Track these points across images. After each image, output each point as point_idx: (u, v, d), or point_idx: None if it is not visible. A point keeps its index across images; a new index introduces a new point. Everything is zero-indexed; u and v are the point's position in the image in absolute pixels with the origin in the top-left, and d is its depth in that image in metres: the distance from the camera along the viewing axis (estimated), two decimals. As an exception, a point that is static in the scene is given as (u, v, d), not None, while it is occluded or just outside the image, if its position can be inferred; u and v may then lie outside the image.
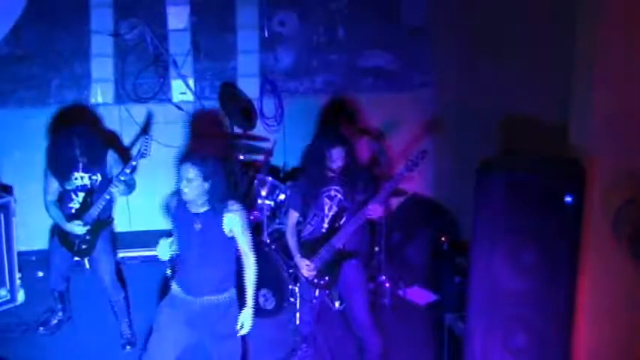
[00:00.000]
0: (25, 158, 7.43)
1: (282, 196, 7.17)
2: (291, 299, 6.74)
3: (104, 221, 6.58)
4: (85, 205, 6.54)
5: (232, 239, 5.41)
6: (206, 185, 5.29)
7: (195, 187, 5.27)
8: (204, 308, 5.43)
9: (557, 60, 6.06)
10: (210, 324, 5.46)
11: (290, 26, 8.31)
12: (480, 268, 5.18)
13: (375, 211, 5.90)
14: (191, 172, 5.26)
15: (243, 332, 5.48)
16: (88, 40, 7.92)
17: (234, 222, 5.37)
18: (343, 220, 6.02)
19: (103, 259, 6.61)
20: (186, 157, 5.41)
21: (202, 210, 5.36)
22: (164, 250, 5.44)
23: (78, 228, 6.52)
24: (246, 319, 5.47)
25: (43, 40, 7.83)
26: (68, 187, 6.58)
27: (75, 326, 6.91)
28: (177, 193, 5.37)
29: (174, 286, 5.51)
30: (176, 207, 5.44)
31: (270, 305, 6.93)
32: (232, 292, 5.51)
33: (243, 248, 5.44)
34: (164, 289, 5.74)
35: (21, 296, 7.31)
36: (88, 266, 6.74)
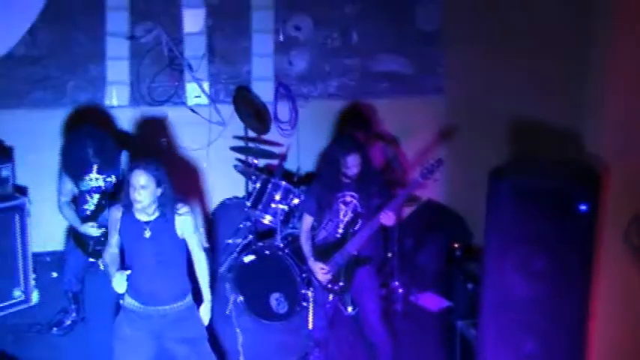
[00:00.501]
0: (40, 159, 7.47)
1: (296, 201, 7.23)
2: (304, 303, 6.82)
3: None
4: (100, 207, 6.61)
5: (183, 241, 5.45)
6: (159, 191, 5.32)
7: (149, 193, 5.28)
8: (167, 317, 5.45)
9: (571, 65, 6.12)
10: (176, 331, 5.49)
11: (305, 30, 8.38)
12: (492, 274, 5.23)
13: (389, 217, 5.97)
14: (143, 178, 5.27)
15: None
16: (104, 42, 8.00)
17: (186, 224, 5.42)
18: (358, 225, 6.09)
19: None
20: (136, 164, 5.38)
21: (152, 217, 5.38)
22: (121, 283, 5.36)
23: (92, 230, 6.58)
24: (205, 314, 5.57)
25: (59, 42, 7.91)
26: (82, 189, 6.66)
27: (88, 327, 6.97)
28: (124, 203, 5.36)
29: (129, 300, 5.47)
30: (122, 218, 5.41)
31: (282, 309, 7.01)
32: (190, 295, 5.57)
33: (195, 248, 5.50)
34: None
35: (35, 297, 7.41)
36: (102, 268, 6.82)
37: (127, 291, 5.43)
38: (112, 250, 5.51)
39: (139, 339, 5.46)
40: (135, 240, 5.39)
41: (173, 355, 5.60)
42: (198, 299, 5.63)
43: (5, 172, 7.33)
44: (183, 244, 5.47)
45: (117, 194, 6.50)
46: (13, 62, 7.77)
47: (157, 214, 5.38)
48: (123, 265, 5.48)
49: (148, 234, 5.35)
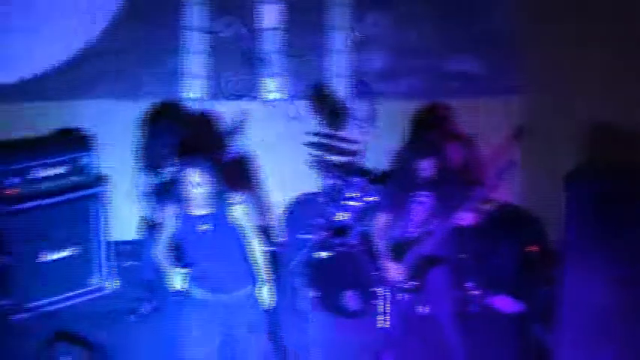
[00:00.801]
0: (121, 149, 7.63)
1: (370, 199, 7.30)
2: (377, 302, 6.90)
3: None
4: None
5: (239, 230, 5.59)
6: (211, 185, 5.45)
7: (203, 188, 5.41)
8: (230, 305, 5.62)
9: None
10: (239, 318, 5.65)
11: (381, 28, 8.42)
12: (570, 279, 5.25)
13: (464, 218, 6.01)
14: (197, 174, 5.39)
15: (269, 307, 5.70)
16: (183, 36, 8.16)
17: (239, 213, 5.56)
18: (432, 225, 6.14)
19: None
20: (188, 160, 5.50)
21: (208, 211, 5.51)
22: (179, 280, 5.55)
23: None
24: (266, 296, 5.68)
25: (139, 35, 8.07)
26: (158, 181, 6.82)
27: (163, 316, 7.15)
28: (178, 200, 5.48)
29: (195, 290, 5.63)
30: (178, 214, 5.53)
31: (355, 307, 7.10)
32: (253, 282, 5.70)
33: (249, 235, 5.62)
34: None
35: (113, 284, 7.65)
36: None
37: (190, 283, 5.60)
38: (164, 247, 5.67)
39: (204, 328, 5.64)
40: (193, 234, 5.53)
41: (236, 343, 5.75)
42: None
43: (85, 161, 7.56)
44: (239, 233, 5.61)
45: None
46: (94, 54, 7.96)
47: (211, 207, 5.51)
48: (180, 261, 5.64)
49: (205, 227, 5.50)
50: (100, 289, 7.59)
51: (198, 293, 5.63)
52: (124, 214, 7.66)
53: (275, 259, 5.74)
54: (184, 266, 5.56)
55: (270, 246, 5.74)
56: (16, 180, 7.26)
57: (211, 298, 5.62)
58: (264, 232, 5.73)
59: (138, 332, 7.07)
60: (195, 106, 8.21)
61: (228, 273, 5.60)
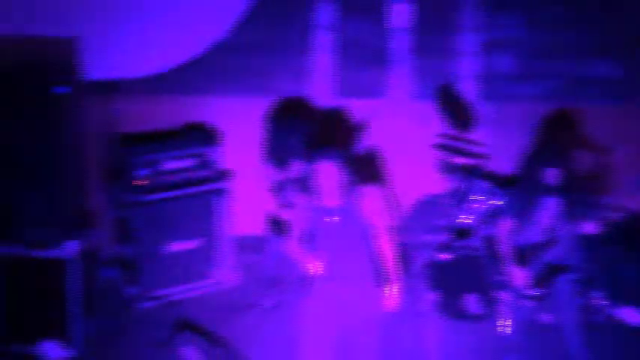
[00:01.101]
0: (247, 144, 7.80)
1: (496, 202, 7.25)
2: (499, 307, 6.86)
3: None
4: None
5: (368, 224, 5.64)
6: (346, 177, 5.55)
7: (337, 181, 5.52)
8: (355, 295, 5.66)
9: None
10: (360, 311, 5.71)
11: (512, 30, 8.34)
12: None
13: (592, 226, 5.91)
14: (330, 166, 5.51)
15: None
16: (312, 34, 8.26)
17: (368, 208, 5.62)
18: (559, 232, 6.06)
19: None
20: (323, 153, 5.60)
21: (338, 202, 5.60)
22: (312, 269, 5.66)
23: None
24: (391, 295, 5.69)
25: (269, 32, 8.21)
26: (284, 177, 6.95)
27: (285, 312, 7.27)
28: (310, 190, 5.60)
29: (320, 283, 5.71)
30: (306, 206, 5.65)
31: (476, 311, 7.06)
32: (378, 277, 5.73)
33: (376, 231, 5.66)
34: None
35: (235, 278, 7.82)
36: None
37: (318, 275, 5.68)
38: (295, 238, 5.76)
39: (323, 323, 5.70)
40: (322, 226, 5.63)
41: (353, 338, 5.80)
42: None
43: (211, 156, 7.75)
44: (368, 227, 5.67)
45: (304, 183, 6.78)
46: (225, 50, 8.09)
47: (342, 199, 5.60)
48: (310, 251, 5.72)
49: (335, 218, 5.59)
50: (222, 282, 7.78)
51: (323, 286, 5.73)
52: (248, 209, 7.80)
53: (399, 259, 5.76)
54: (314, 257, 5.65)
55: (396, 245, 5.76)
56: (146, 171, 7.51)
57: (333, 290, 5.66)
58: (392, 230, 5.76)
59: (258, 326, 7.20)
60: (323, 104, 8.32)
61: (354, 266, 5.66)
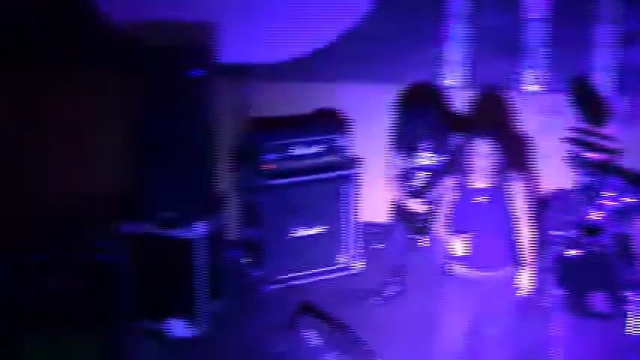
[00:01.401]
0: (376, 132, 7.82)
1: (628, 200, 7.11)
2: (627, 307, 6.75)
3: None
4: (428, 185, 6.92)
5: (511, 210, 5.69)
6: (499, 158, 5.61)
7: (489, 161, 5.60)
8: (490, 282, 5.72)
9: None
10: (498, 296, 5.74)
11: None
12: None
13: None
14: (485, 147, 5.61)
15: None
16: (446, 23, 8.23)
17: (517, 192, 5.68)
18: None
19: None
20: (479, 133, 5.70)
21: (488, 185, 5.67)
22: (461, 247, 5.68)
23: (418, 206, 6.90)
24: (525, 280, 5.76)
25: (401, 21, 8.20)
26: (412, 165, 6.99)
27: (407, 300, 7.38)
28: (460, 171, 5.70)
29: (459, 267, 5.78)
30: (457, 186, 5.75)
31: (603, 310, 6.96)
32: (517, 263, 5.78)
33: (521, 216, 5.72)
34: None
35: (360, 265, 7.92)
36: (426, 244, 7.11)
37: (458, 257, 5.76)
38: (444, 216, 5.84)
39: (459, 306, 5.82)
40: (470, 206, 5.71)
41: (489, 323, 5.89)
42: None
43: (340, 143, 7.85)
44: (511, 213, 5.72)
45: (446, 172, 6.78)
46: (357, 38, 8.15)
47: (491, 181, 5.67)
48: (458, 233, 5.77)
49: (483, 200, 5.67)
50: (346, 269, 7.89)
51: (458, 269, 5.80)
52: (375, 197, 7.83)
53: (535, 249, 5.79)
54: (458, 238, 5.71)
55: (534, 234, 5.78)
56: (274, 156, 7.67)
57: (471, 274, 5.76)
58: (531, 219, 5.78)
59: (380, 315, 7.31)
60: (453, 93, 8.30)
61: (494, 249, 5.73)
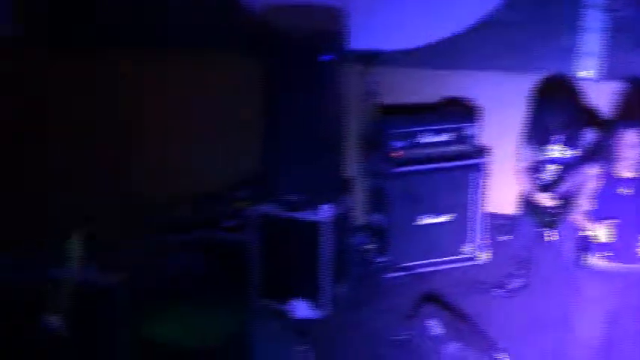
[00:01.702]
0: (506, 123, 7.76)
1: None
2: None
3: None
4: (558, 179, 6.83)
5: None
6: None
7: (637, 151, 5.53)
8: (630, 275, 5.64)
9: None
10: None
11: None
12: None
13: None
14: (633, 136, 5.52)
15: None
16: (581, 13, 8.10)
17: None
18: None
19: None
20: (630, 122, 5.62)
21: (632, 175, 5.58)
22: (604, 234, 5.61)
23: (547, 200, 6.83)
24: None
25: (536, 10, 8.10)
26: (542, 158, 6.92)
27: (531, 294, 7.33)
28: (606, 160, 5.61)
29: (596, 259, 5.69)
30: (601, 175, 5.67)
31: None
32: None
33: None
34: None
35: (484, 256, 7.90)
36: (554, 238, 7.04)
37: (598, 248, 5.71)
38: (584, 205, 5.78)
39: (597, 301, 5.74)
40: (614, 195, 5.65)
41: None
42: None
43: (469, 131, 7.81)
44: None
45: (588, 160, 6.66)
46: (490, 27, 8.07)
47: (638, 173, 5.62)
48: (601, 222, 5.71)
49: (630, 191, 5.60)
50: (471, 259, 7.88)
51: (596, 261, 5.74)
52: (503, 188, 7.79)
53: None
54: (602, 228, 5.65)
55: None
56: (402, 143, 7.70)
57: (611, 266, 5.70)
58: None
59: (504, 307, 7.28)
60: (587, 85, 8.16)
61: (638, 242, 5.66)
